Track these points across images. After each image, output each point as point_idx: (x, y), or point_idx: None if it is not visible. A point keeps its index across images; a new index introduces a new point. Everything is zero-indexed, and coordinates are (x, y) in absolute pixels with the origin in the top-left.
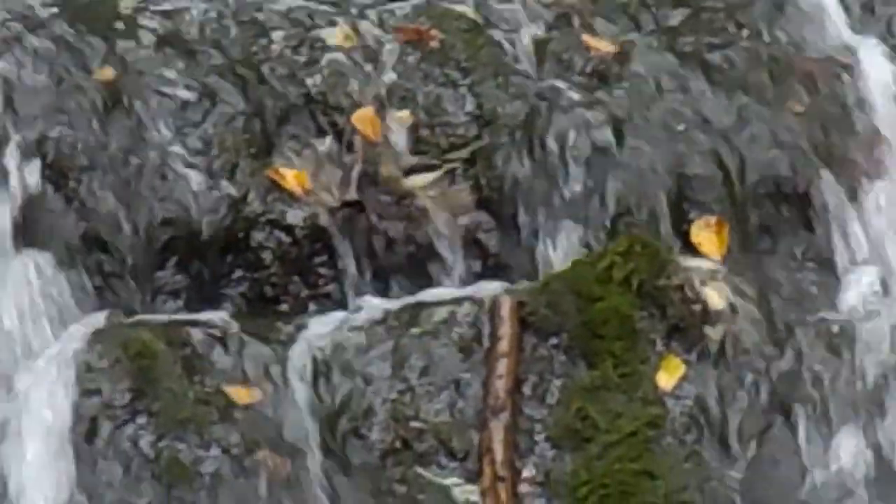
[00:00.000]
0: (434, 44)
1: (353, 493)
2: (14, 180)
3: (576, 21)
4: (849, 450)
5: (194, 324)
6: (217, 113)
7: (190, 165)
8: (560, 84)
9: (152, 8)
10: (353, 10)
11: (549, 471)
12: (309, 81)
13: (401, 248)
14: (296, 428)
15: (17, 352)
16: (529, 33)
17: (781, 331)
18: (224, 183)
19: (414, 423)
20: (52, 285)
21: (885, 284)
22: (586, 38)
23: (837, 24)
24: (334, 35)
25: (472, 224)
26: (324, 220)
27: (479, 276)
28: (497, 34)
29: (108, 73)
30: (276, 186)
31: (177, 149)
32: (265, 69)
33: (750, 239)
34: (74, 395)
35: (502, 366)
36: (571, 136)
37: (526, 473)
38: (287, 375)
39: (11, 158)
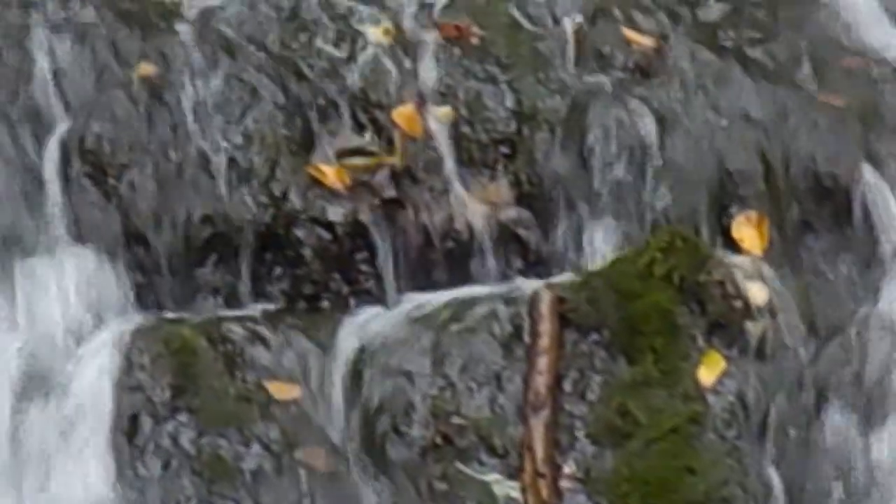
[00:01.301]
0: (474, 40)
1: (393, 490)
2: (55, 176)
3: (616, 15)
4: (891, 444)
5: (235, 320)
6: (257, 109)
7: (230, 162)
8: (601, 79)
9: (193, 5)
10: (394, 6)
11: (590, 467)
12: (349, 77)
13: (441, 245)
14: (336, 424)
15: (59, 348)
16: (570, 28)
17: (823, 326)
18: (264, 179)
19: (454, 420)
20: (93, 281)
21: None
22: (627, 32)
23: (878, 19)
24: (375, 31)
25: (512, 220)
26: (364, 216)
27: (519, 273)
28: (537, 29)
29: (149, 68)
30: (316, 183)
31: (217, 145)
32: (305, 65)
33: (791, 234)
34: (115, 391)
35: (542, 362)
36: (612, 131)
37: (566, 470)
38: (327, 372)
39: (53, 154)
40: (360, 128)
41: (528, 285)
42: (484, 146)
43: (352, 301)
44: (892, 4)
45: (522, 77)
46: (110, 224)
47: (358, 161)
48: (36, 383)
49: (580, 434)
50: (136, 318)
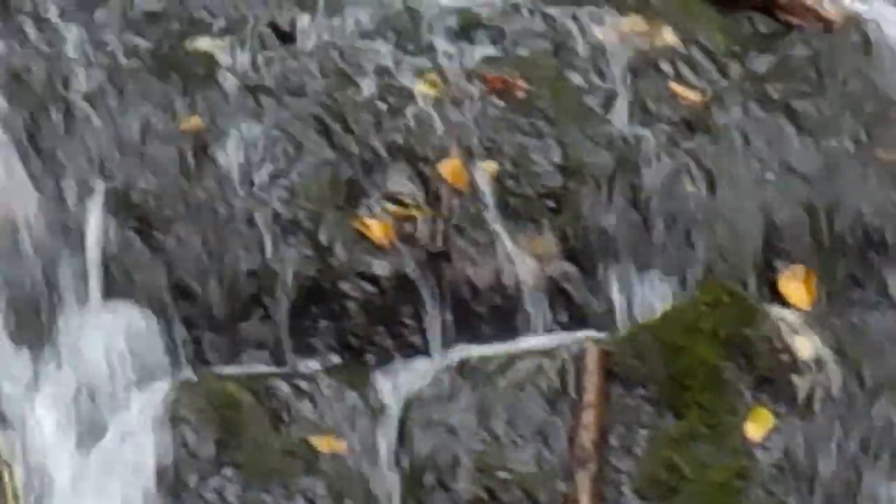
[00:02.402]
0: (520, 93)
1: None
2: (101, 229)
3: (664, 69)
4: None
5: (279, 375)
6: (302, 162)
7: (275, 215)
8: (648, 133)
9: (238, 56)
10: (440, 59)
11: None
12: (395, 131)
13: (486, 298)
14: (381, 479)
15: (104, 403)
16: (616, 82)
17: (870, 381)
18: (310, 233)
19: (500, 475)
20: (138, 336)
21: None
22: (674, 86)
23: None
24: (420, 83)
25: (558, 274)
26: (409, 270)
27: (565, 327)
28: (584, 83)
29: (194, 121)
30: (361, 236)
31: (262, 198)
32: (351, 118)
33: (838, 288)
34: (160, 446)
35: (588, 416)
36: (659, 185)
37: None
38: (372, 426)
39: (98, 207)
40: (405, 181)
41: (574, 340)
42: (530, 200)
43: (397, 355)
44: None
45: (569, 131)
46: (155, 278)
47: (392, 208)
48: (81, 439)
49: (626, 489)
50: (181, 373)
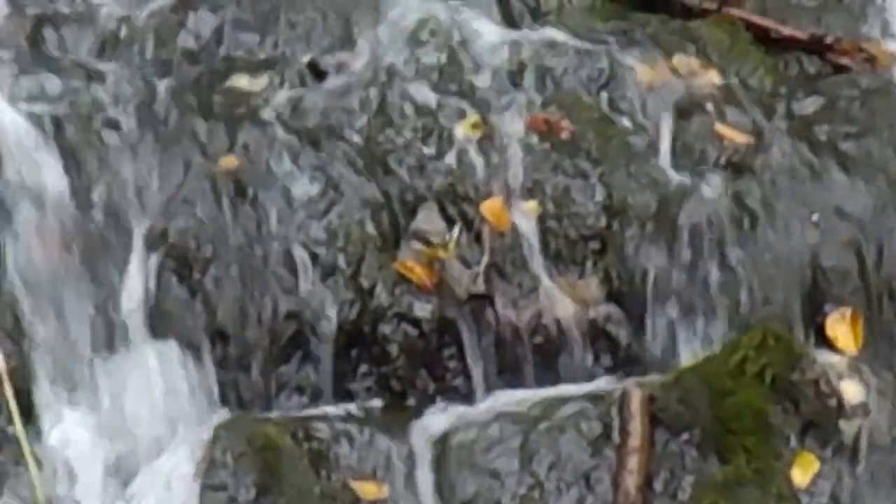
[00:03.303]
0: (564, 134)
1: None
2: (139, 271)
3: (709, 110)
4: None
5: (320, 418)
6: (343, 204)
7: (315, 257)
8: (693, 175)
9: (276, 97)
10: (482, 99)
11: None
12: (436, 171)
13: (529, 341)
14: None
15: (142, 446)
16: (661, 122)
17: None
18: (350, 275)
19: None
20: (177, 378)
21: None
22: (719, 127)
23: None
24: (462, 125)
25: (602, 317)
26: (451, 312)
27: (609, 370)
28: (628, 123)
29: (232, 162)
30: (403, 279)
31: (302, 240)
32: (392, 159)
33: (886, 332)
34: (199, 490)
35: (633, 461)
36: (704, 227)
37: None
38: (414, 470)
39: (137, 249)
40: (448, 222)
41: (617, 383)
42: (573, 242)
43: (438, 398)
44: None
45: (613, 172)
46: (194, 320)
47: (419, 247)
48: (119, 482)
49: None
50: (220, 416)
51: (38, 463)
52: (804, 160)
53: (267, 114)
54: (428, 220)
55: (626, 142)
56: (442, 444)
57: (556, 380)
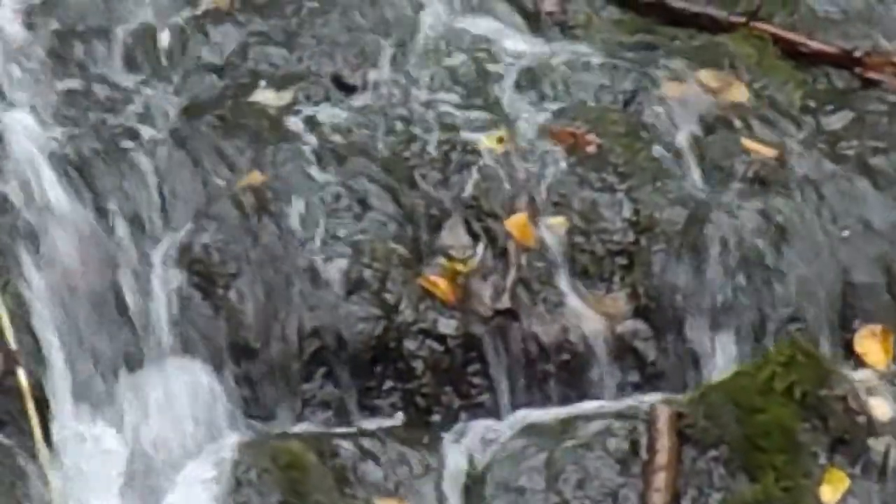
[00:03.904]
0: (590, 148)
1: None
2: (163, 287)
3: (736, 125)
4: None
5: (344, 435)
6: (367, 219)
7: (339, 273)
8: (720, 189)
9: (301, 111)
10: (507, 113)
11: None
12: (462, 187)
13: (555, 357)
14: None
15: (166, 463)
16: (688, 137)
17: None
18: (375, 291)
19: None
20: (200, 395)
21: None
22: (746, 141)
23: None
24: (488, 139)
25: (629, 332)
26: (477, 328)
27: (636, 387)
28: (655, 138)
29: (256, 177)
30: (428, 295)
31: (326, 255)
32: (417, 174)
33: None
34: None
35: (660, 479)
36: (731, 242)
37: None
38: (439, 488)
39: (161, 264)
40: (473, 237)
41: (645, 400)
42: (600, 257)
43: (464, 415)
44: None
45: (640, 186)
46: (217, 336)
47: (443, 262)
48: (143, 499)
49: None
50: (244, 433)
51: (60, 478)
52: (833, 175)
53: (292, 128)
54: (453, 235)
55: (653, 156)
56: (467, 461)
57: (582, 396)
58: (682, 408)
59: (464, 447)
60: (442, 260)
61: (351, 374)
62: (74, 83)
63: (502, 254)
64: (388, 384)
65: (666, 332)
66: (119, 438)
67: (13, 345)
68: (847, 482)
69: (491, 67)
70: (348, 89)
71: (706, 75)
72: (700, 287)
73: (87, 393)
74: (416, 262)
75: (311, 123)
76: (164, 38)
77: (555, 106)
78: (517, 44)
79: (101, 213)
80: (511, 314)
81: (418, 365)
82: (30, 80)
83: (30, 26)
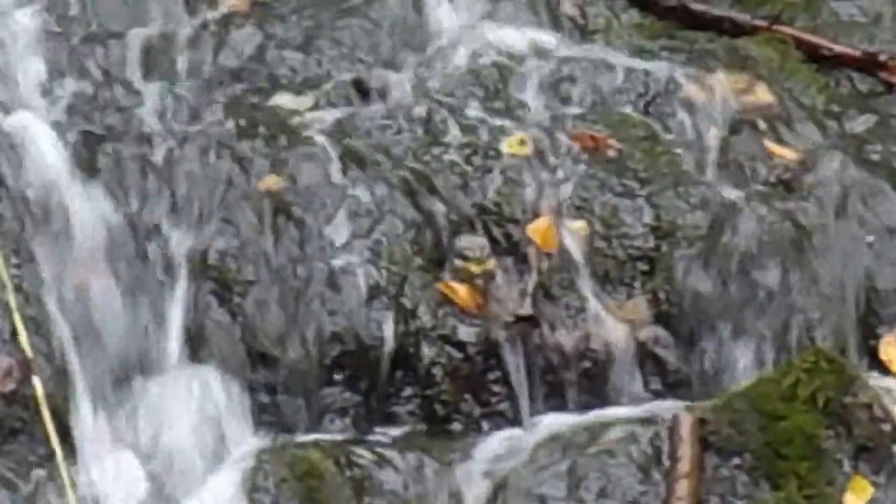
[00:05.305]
0: (611, 152)
1: None
2: (180, 293)
3: (759, 128)
4: None
5: (363, 443)
6: (387, 223)
7: (358, 278)
8: (742, 193)
9: (320, 115)
10: (528, 118)
11: None
12: (482, 191)
13: (576, 364)
14: None
15: (182, 471)
16: (710, 141)
17: None
18: (394, 297)
19: None
20: (217, 402)
21: None
22: (770, 145)
23: None
24: (508, 144)
25: (651, 339)
26: (497, 335)
27: (658, 393)
28: (677, 142)
29: (275, 181)
30: (447, 300)
31: (345, 261)
32: (437, 179)
33: None
34: None
35: (682, 487)
36: (754, 248)
37: None
38: (459, 497)
39: (178, 270)
40: (493, 243)
41: (667, 407)
42: (621, 262)
43: (484, 423)
44: None
45: (661, 191)
46: (235, 342)
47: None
48: None
49: None
50: (261, 441)
51: (76, 487)
52: (856, 179)
53: (311, 133)
54: (472, 240)
55: (674, 160)
56: (487, 469)
57: (604, 403)
58: (705, 415)
59: (484, 455)
60: (458, 262)
61: (370, 380)
62: (91, 86)
63: (523, 259)
64: (408, 391)
65: (688, 339)
66: (136, 445)
67: (29, 352)
68: (871, 490)
69: (511, 71)
70: (368, 93)
71: (728, 79)
72: (723, 292)
73: (104, 401)
74: (435, 267)
75: (331, 128)
76: (182, 42)
77: (575, 110)
78: (537, 48)
79: (118, 219)
80: (532, 320)
81: (438, 372)
82: (46, 83)
83: (47, 28)
